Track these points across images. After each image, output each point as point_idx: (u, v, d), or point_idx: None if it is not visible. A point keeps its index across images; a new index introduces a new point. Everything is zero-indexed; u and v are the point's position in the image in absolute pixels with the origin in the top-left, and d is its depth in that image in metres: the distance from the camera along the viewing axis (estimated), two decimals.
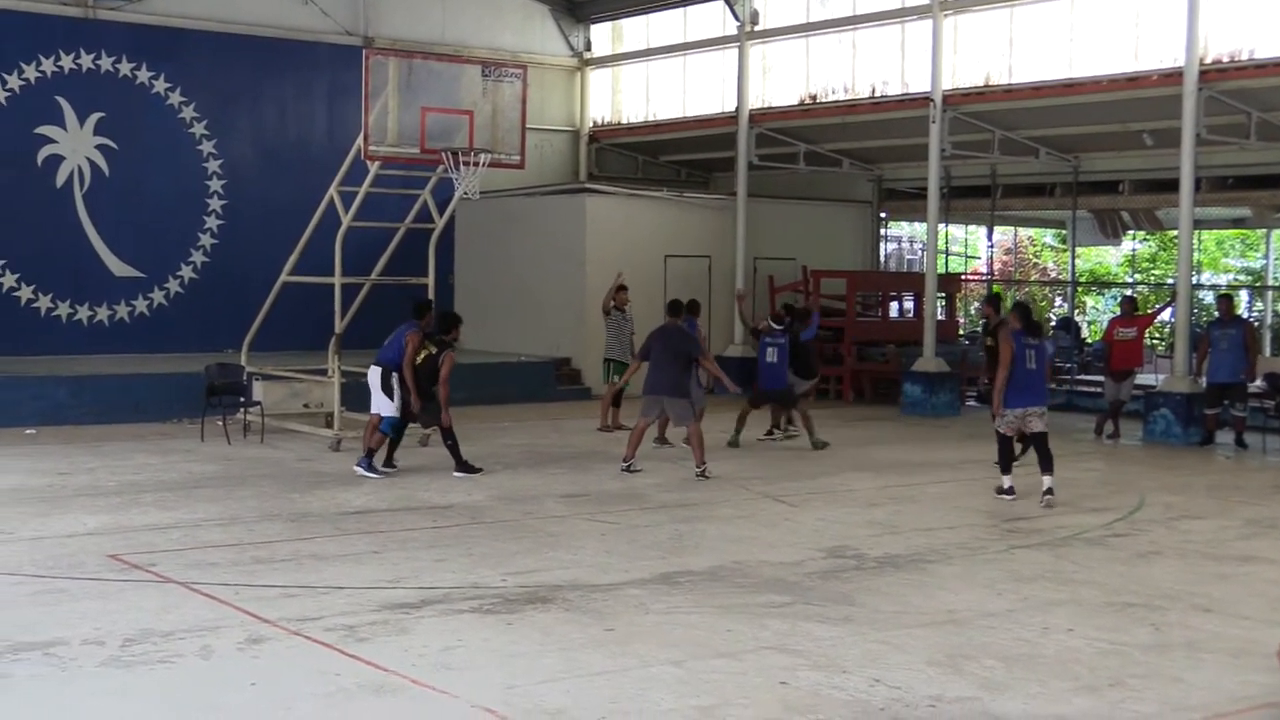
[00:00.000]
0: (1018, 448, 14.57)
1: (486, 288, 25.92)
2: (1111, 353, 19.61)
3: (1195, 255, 23.71)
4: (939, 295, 23.89)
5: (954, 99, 22.04)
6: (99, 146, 22.98)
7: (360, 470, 14.90)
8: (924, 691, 7.54)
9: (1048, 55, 21.43)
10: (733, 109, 25.31)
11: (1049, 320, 34.87)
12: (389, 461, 15.28)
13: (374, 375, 15.24)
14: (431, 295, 17.98)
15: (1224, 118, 19.69)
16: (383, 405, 15.15)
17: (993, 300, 17.51)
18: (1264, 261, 33.87)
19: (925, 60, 22.16)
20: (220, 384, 17.81)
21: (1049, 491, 13.77)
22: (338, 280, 17.43)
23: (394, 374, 15.09)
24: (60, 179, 22.70)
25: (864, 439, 19.04)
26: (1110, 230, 27.85)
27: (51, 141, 22.61)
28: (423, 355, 14.97)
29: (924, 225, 25.25)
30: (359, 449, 15.42)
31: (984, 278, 31.59)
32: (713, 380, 16.61)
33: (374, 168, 17.13)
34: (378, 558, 10.83)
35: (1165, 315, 24.36)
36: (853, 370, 24.22)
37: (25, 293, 22.44)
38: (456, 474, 14.92)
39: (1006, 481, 14.04)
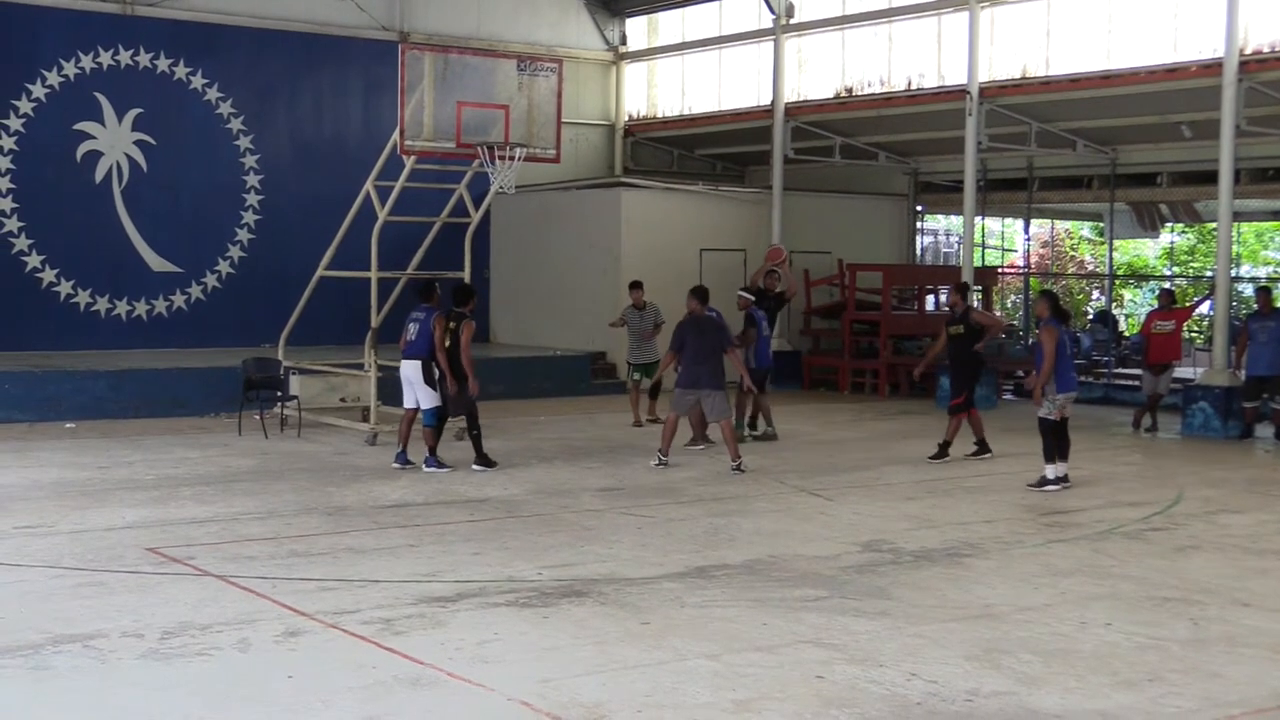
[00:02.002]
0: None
1: (522, 282, 25.98)
2: (1149, 346, 19.52)
3: (1234, 248, 23.49)
4: (976, 289, 23.79)
5: (990, 91, 21.95)
6: (137, 142, 23.13)
7: (430, 469, 14.87)
8: (961, 686, 7.52)
9: (1085, 46, 21.32)
10: (768, 102, 25.27)
11: (1086, 314, 34.76)
12: (404, 455, 15.19)
13: (412, 369, 15.14)
14: None
15: (1264, 109, 19.53)
16: (426, 398, 15.16)
17: (961, 288, 17.22)
18: None
19: (961, 52, 22.08)
20: (257, 378, 17.90)
21: (1065, 478, 14.22)
22: (374, 275, 17.49)
23: (435, 364, 15.04)
24: (99, 175, 22.85)
25: (899, 432, 18.98)
26: (1148, 223, 27.67)
27: (90, 137, 22.77)
28: (448, 338, 14.85)
29: (960, 218, 25.18)
30: (394, 444, 15.44)
31: (1021, 271, 31.44)
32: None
33: (410, 162, 17.17)
34: (414, 551, 10.87)
35: (1204, 308, 24.21)
36: (889, 364, 24.14)
37: (65, 288, 22.62)
38: (475, 467, 14.87)
39: (1052, 471, 14.14)
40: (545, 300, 25.51)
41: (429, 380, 15.02)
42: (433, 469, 14.93)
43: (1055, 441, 14.19)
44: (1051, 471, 14.11)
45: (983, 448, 16.36)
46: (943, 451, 16.11)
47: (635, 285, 19.67)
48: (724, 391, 15.41)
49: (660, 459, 15.33)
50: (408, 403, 15.32)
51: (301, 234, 22.98)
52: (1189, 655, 8.23)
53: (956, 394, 16.33)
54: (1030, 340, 14.35)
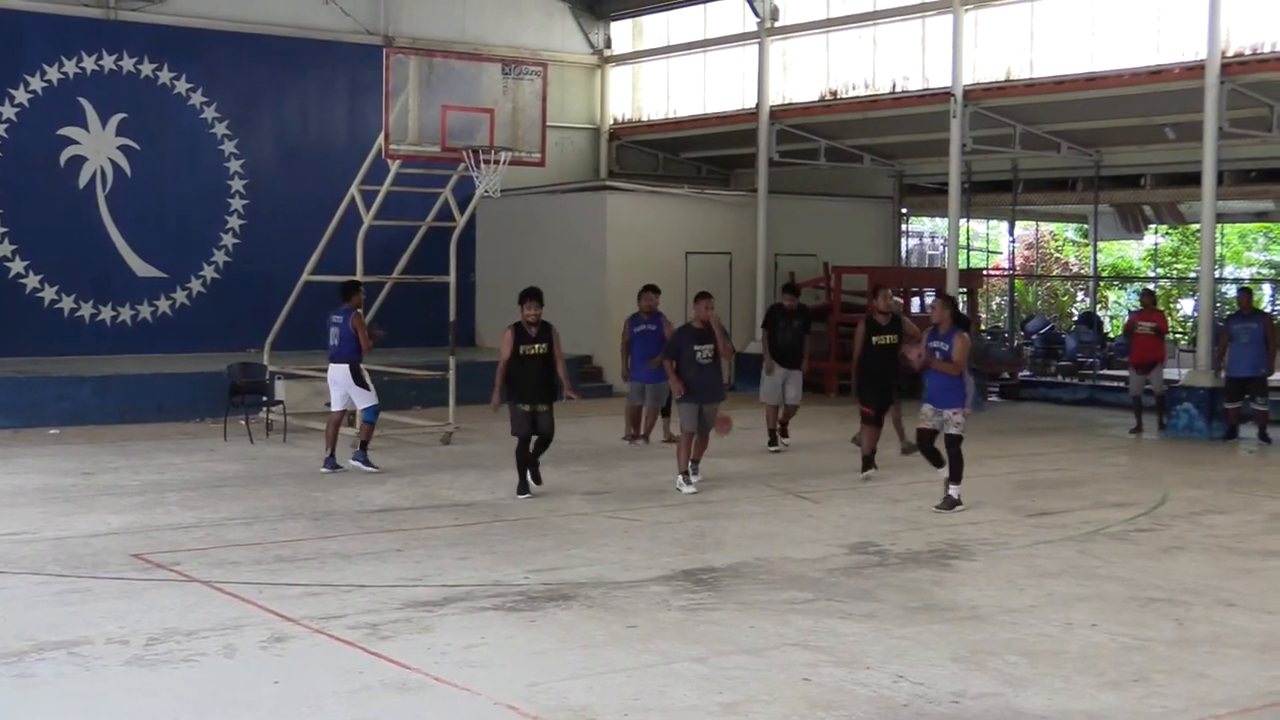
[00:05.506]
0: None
1: (508, 286, 25.71)
2: (1133, 346, 19.59)
3: (1218, 249, 23.56)
4: (960, 291, 23.81)
5: (975, 94, 21.98)
6: (121, 147, 23.05)
7: (356, 463, 14.93)
8: (947, 687, 7.53)
9: (1069, 49, 21.36)
10: (753, 105, 25.28)
11: (1071, 315, 34.83)
12: (333, 461, 15.15)
13: (339, 373, 15.23)
14: (453, 293, 18.06)
15: (1246, 110, 19.60)
16: (361, 398, 15.22)
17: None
18: None
19: (946, 55, 22.10)
20: (243, 383, 17.89)
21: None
22: (360, 279, 17.44)
23: (362, 365, 15.20)
24: (83, 180, 22.77)
25: (885, 434, 18.94)
26: (1132, 224, 27.76)
27: (74, 143, 22.69)
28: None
29: (945, 221, 25.21)
30: (393, 448, 15.45)
31: (1006, 273, 31.50)
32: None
33: (395, 166, 17.18)
34: (400, 556, 10.85)
35: (1188, 309, 24.30)
36: None
37: (49, 293, 22.54)
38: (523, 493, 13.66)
39: (957, 491, 13.09)
40: None
41: (359, 381, 15.07)
42: (358, 464, 14.96)
43: (932, 458, 13.15)
44: (957, 492, 13.01)
45: (868, 464, 15.13)
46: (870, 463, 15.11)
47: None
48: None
49: (690, 479, 14.14)
50: (335, 405, 15.41)
51: (286, 238, 22.90)
52: (1174, 656, 8.25)
53: (885, 405, 15.16)
54: (937, 343, 13.19)
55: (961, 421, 12.94)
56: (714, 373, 14.11)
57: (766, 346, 17.37)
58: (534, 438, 13.71)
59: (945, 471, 13.12)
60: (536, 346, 13.61)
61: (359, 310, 15.34)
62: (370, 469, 14.97)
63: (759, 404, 17.73)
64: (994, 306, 35.05)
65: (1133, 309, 24.65)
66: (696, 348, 13.99)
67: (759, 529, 12.13)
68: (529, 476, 13.71)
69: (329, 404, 15.71)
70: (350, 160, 20.03)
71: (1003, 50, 22.13)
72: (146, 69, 23.28)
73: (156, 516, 12.40)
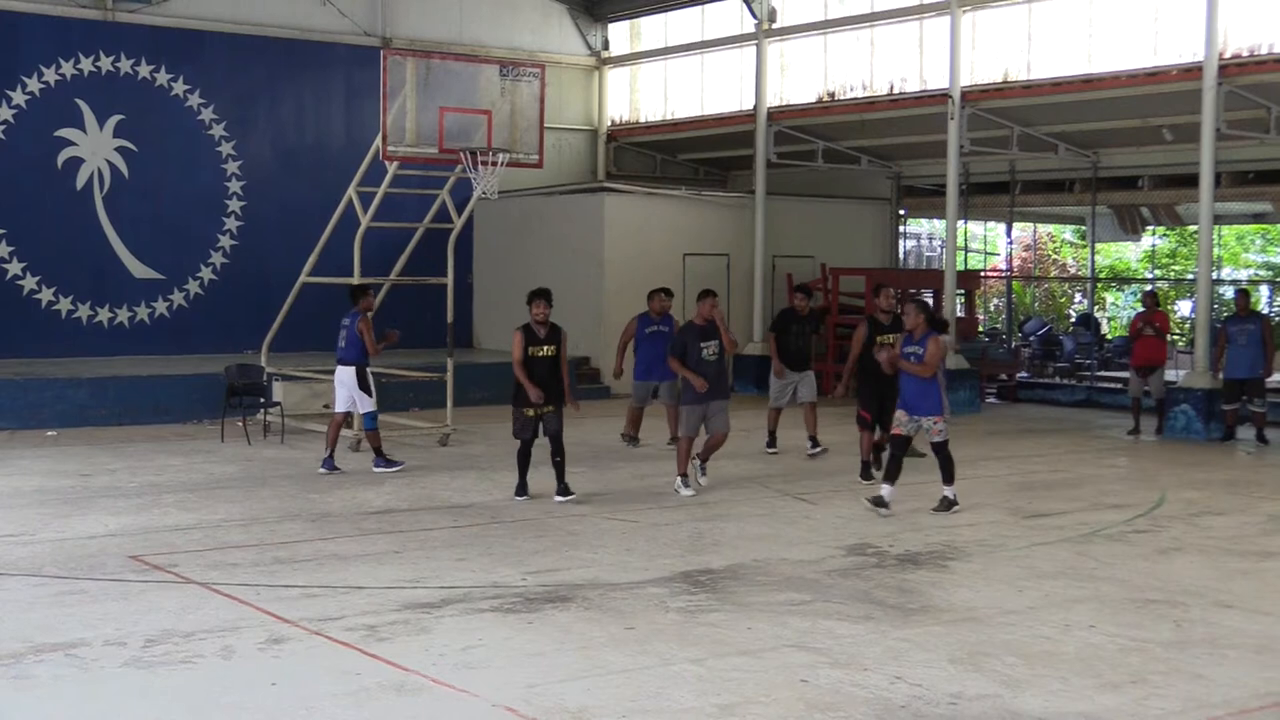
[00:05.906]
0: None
1: (505, 287, 25.94)
2: (1136, 348, 19.60)
3: (1215, 250, 23.58)
4: (958, 292, 23.82)
5: (972, 95, 21.98)
6: (119, 149, 23.03)
7: (380, 469, 15.02)
8: (945, 689, 7.53)
9: (1066, 50, 21.36)
10: (751, 107, 25.28)
11: (1069, 317, 34.85)
12: (331, 462, 15.24)
13: (346, 374, 15.33)
14: (450, 295, 18.07)
15: (1244, 112, 19.60)
16: (363, 402, 15.34)
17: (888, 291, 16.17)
18: None
19: (943, 57, 22.09)
20: (240, 385, 17.88)
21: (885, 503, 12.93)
22: (357, 281, 17.45)
23: (369, 370, 15.34)
24: (80, 181, 22.76)
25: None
26: (1130, 226, 27.77)
27: (71, 144, 22.67)
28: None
29: (943, 222, 25.21)
30: (390, 450, 15.50)
31: (1003, 274, 31.53)
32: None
33: (392, 168, 17.18)
34: (398, 557, 10.85)
35: (1186, 311, 24.32)
36: None
37: (46, 295, 22.52)
38: (557, 498, 13.42)
39: (952, 491, 13.09)
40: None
41: (364, 386, 15.17)
42: (382, 469, 15.08)
43: (894, 466, 12.90)
44: (953, 492, 13.02)
45: (866, 471, 14.97)
46: (869, 472, 14.89)
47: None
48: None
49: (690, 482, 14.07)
50: (338, 407, 15.51)
51: (284, 240, 22.94)
52: (1172, 657, 8.26)
53: (885, 410, 14.29)
54: (911, 348, 12.98)
55: (943, 429, 12.89)
56: (719, 370, 14.10)
57: (774, 350, 17.27)
58: (547, 440, 13.55)
59: (885, 488, 12.86)
60: (545, 348, 13.51)
61: (367, 314, 15.38)
62: (396, 466, 15.17)
63: (759, 404, 17.71)
64: (992, 308, 35.08)
65: (1134, 310, 24.64)
66: (702, 344, 13.93)
67: (757, 531, 12.12)
68: (561, 492, 13.45)
69: (328, 405, 15.75)
70: (348, 162, 20.04)
71: (1000, 52, 22.14)
72: (144, 70, 23.26)
73: (154, 518, 12.40)
